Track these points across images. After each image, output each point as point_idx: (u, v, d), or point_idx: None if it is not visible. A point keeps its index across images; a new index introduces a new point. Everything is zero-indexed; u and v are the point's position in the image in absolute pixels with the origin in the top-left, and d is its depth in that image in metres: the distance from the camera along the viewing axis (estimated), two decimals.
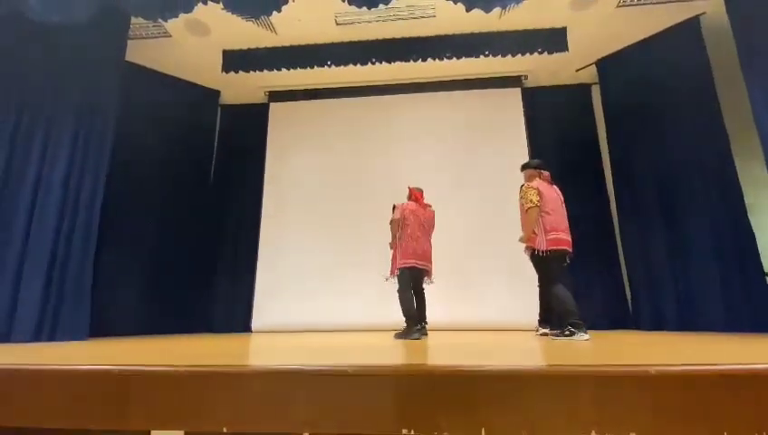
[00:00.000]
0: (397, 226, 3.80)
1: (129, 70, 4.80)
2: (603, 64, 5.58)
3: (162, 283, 5.30)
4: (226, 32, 5.12)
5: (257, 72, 5.55)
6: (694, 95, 4.63)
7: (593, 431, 1.08)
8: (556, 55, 5.19)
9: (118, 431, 1.28)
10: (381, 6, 3.85)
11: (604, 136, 5.65)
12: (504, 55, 5.18)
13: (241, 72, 5.50)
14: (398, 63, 5.38)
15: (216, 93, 6.32)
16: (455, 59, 5.25)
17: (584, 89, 5.98)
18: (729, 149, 4.33)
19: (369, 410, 1.15)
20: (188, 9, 3.92)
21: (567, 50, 5.07)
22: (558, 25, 5.06)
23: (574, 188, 5.46)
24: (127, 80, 4.56)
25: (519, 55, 5.19)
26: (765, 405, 1.07)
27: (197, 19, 4.75)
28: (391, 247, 3.85)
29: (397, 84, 6.10)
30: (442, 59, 5.27)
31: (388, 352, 2.07)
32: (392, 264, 3.79)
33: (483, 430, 1.09)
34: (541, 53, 5.13)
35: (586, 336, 2.97)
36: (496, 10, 4.05)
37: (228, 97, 6.43)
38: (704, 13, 4.63)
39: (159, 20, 4.51)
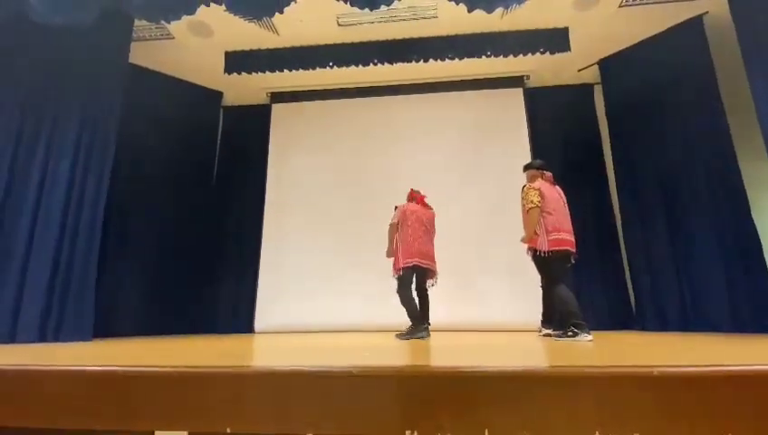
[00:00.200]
0: (395, 229, 3.80)
1: (133, 71, 4.82)
2: (606, 64, 5.56)
3: (165, 283, 5.32)
4: (229, 33, 5.13)
5: (259, 73, 5.56)
6: (697, 95, 4.62)
7: (596, 432, 1.08)
8: (558, 55, 5.18)
9: (122, 432, 1.29)
10: (383, 7, 3.85)
11: (606, 136, 5.63)
12: (506, 56, 5.17)
13: (243, 73, 5.51)
14: (399, 64, 5.37)
15: (219, 94, 6.34)
16: (456, 59, 5.25)
17: (586, 89, 5.97)
18: (732, 150, 4.31)
19: (372, 411, 1.15)
20: (191, 11, 3.94)
21: (569, 50, 5.06)
22: (560, 25, 5.05)
23: (576, 189, 5.45)
24: (130, 81, 4.58)
25: (521, 55, 5.18)
26: None
27: (200, 21, 4.76)
28: (389, 256, 3.82)
29: (398, 85, 6.10)
30: (444, 59, 5.26)
31: (391, 353, 2.07)
32: (395, 263, 3.75)
33: (486, 431, 1.09)
34: (543, 53, 5.12)
35: (589, 337, 2.95)
36: (498, 10, 4.05)
37: (230, 98, 6.45)
38: (706, 12, 4.61)
39: (162, 22, 4.53)
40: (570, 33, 5.04)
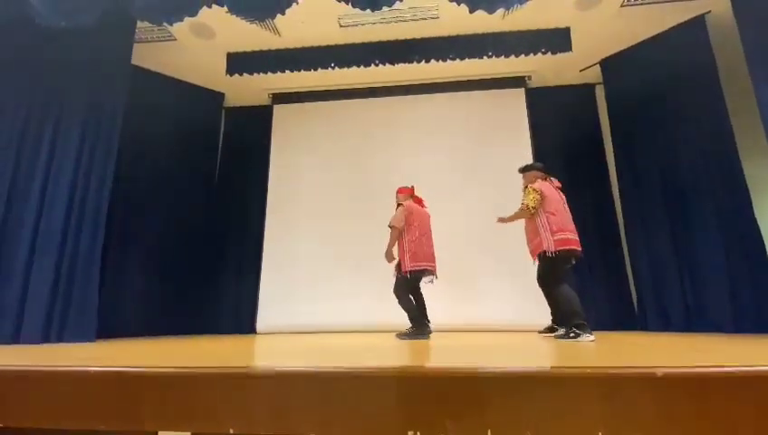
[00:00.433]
0: (398, 232, 3.75)
1: (135, 73, 4.83)
2: (607, 64, 5.55)
3: (168, 284, 5.34)
4: (231, 35, 5.15)
5: (261, 74, 5.57)
6: (700, 95, 4.60)
7: (599, 433, 1.08)
8: (560, 55, 5.18)
9: (125, 432, 1.29)
10: (384, 8, 3.85)
11: (608, 136, 5.62)
12: (507, 56, 5.17)
13: (245, 74, 5.53)
14: (401, 65, 5.38)
15: (221, 96, 6.36)
16: (458, 60, 5.25)
17: (588, 89, 5.96)
18: (736, 150, 4.29)
19: (374, 412, 1.16)
20: (193, 13, 3.95)
21: (571, 50, 5.06)
22: (562, 25, 5.04)
23: (579, 189, 5.46)
24: (132, 83, 4.59)
25: (523, 56, 5.18)
26: None
27: (202, 22, 4.78)
28: (389, 258, 3.73)
29: (400, 86, 6.11)
30: (445, 60, 5.27)
31: (394, 354, 2.08)
32: (403, 264, 3.69)
33: (489, 431, 1.09)
34: (544, 53, 5.12)
35: (591, 337, 2.96)
36: (500, 11, 4.04)
37: (232, 99, 6.47)
38: (709, 11, 4.60)
39: (164, 23, 4.54)
40: (571, 33, 5.04)
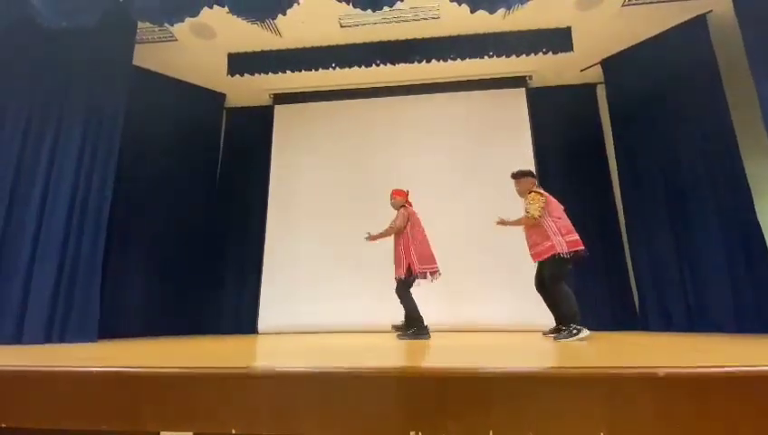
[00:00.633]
0: (397, 231, 3.83)
1: (136, 74, 4.84)
2: (609, 64, 5.54)
3: (169, 284, 5.34)
4: (232, 35, 5.15)
5: (262, 74, 5.57)
6: (701, 94, 4.59)
7: (602, 433, 1.08)
8: (561, 55, 5.17)
9: (128, 432, 1.29)
10: (385, 8, 3.85)
11: (610, 136, 5.61)
12: (508, 56, 5.16)
13: (246, 74, 5.53)
14: (402, 65, 5.37)
15: (222, 96, 6.36)
16: (459, 60, 5.24)
17: (590, 89, 5.95)
18: (737, 149, 4.28)
19: (376, 413, 1.16)
20: (194, 13, 3.95)
21: (572, 50, 5.05)
22: (563, 25, 5.03)
23: (580, 188, 5.47)
24: (133, 83, 4.60)
25: (524, 55, 5.17)
26: None
27: (203, 23, 4.78)
28: (371, 239, 3.88)
29: (401, 86, 6.11)
30: (446, 60, 5.26)
31: (395, 354, 2.08)
32: (411, 265, 3.73)
33: (491, 432, 1.09)
34: (545, 53, 5.11)
35: (588, 333, 3.07)
36: (501, 10, 4.04)
37: (233, 100, 6.47)
38: (710, 11, 4.59)
39: (165, 24, 4.54)
40: (572, 33, 5.03)
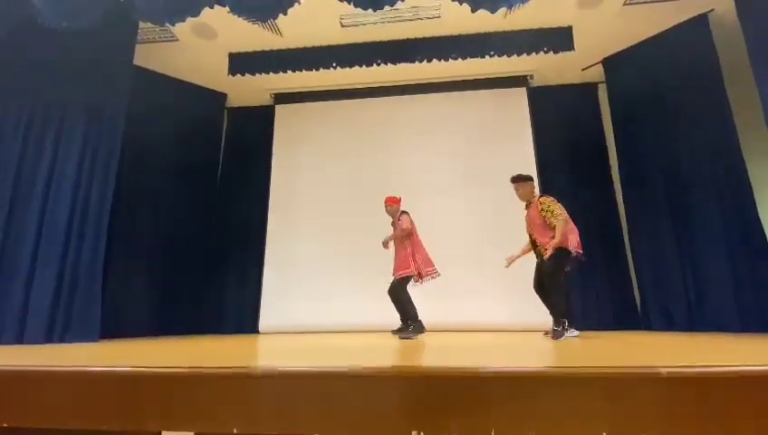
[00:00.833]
0: (408, 233, 3.90)
1: (137, 74, 4.84)
2: (610, 63, 5.53)
3: (170, 284, 5.35)
4: (233, 35, 5.15)
5: (263, 74, 5.57)
6: (702, 93, 4.58)
7: (604, 433, 1.07)
8: (562, 54, 5.16)
9: (129, 432, 1.29)
10: (386, 8, 3.85)
11: (611, 135, 5.60)
12: (509, 55, 5.16)
13: (247, 74, 5.53)
14: (403, 65, 5.37)
15: (223, 96, 6.36)
16: (460, 59, 5.24)
17: (591, 88, 5.94)
18: (739, 148, 4.27)
19: (378, 412, 1.15)
20: (195, 13, 3.95)
21: (573, 49, 5.04)
22: (564, 24, 5.03)
23: (581, 188, 5.46)
24: (135, 83, 4.60)
25: (525, 55, 5.16)
26: None
27: (204, 23, 4.78)
28: (386, 246, 3.93)
29: (402, 85, 6.10)
30: (447, 59, 5.26)
31: (397, 354, 2.07)
32: (419, 269, 3.83)
33: (492, 431, 1.09)
34: (546, 52, 5.10)
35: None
36: (502, 10, 4.03)
37: (234, 99, 6.47)
38: (712, 10, 4.58)
39: (167, 24, 4.54)
40: (573, 32, 5.02)
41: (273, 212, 6.03)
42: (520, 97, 5.96)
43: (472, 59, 5.24)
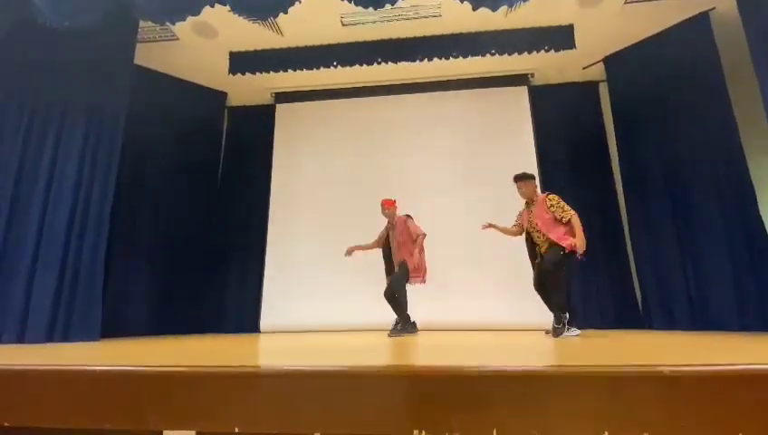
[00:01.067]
0: (424, 237, 4.00)
1: (138, 73, 4.84)
2: (611, 61, 5.52)
3: (171, 283, 5.36)
4: (233, 34, 5.15)
5: (264, 73, 5.57)
6: (704, 92, 4.57)
7: (606, 432, 1.07)
8: (563, 53, 5.15)
9: (130, 431, 1.29)
10: (387, 6, 3.84)
11: (612, 134, 5.60)
12: (510, 54, 5.15)
13: (247, 73, 5.53)
14: (404, 63, 5.37)
15: (224, 95, 6.36)
16: (461, 58, 5.23)
17: (592, 86, 5.93)
18: (740, 147, 4.26)
19: (380, 411, 1.15)
20: (196, 12, 3.95)
21: (574, 47, 5.03)
22: (565, 23, 5.01)
23: (582, 186, 5.45)
24: (135, 83, 4.60)
25: (526, 53, 5.16)
26: None
27: (205, 21, 4.78)
28: (416, 267, 3.95)
29: (403, 84, 6.10)
30: (448, 58, 5.25)
31: (398, 353, 2.07)
32: (424, 269, 3.95)
33: (494, 430, 1.09)
34: (548, 50, 5.09)
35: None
36: (502, 8, 4.03)
37: (235, 98, 6.47)
38: (713, 8, 4.56)
39: (167, 23, 4.54)
40: (575, 31, 5.01)
41: (274, 211, 6.03)
42: (521, 96, 5.95)
43: (472, 57, 5.23)
